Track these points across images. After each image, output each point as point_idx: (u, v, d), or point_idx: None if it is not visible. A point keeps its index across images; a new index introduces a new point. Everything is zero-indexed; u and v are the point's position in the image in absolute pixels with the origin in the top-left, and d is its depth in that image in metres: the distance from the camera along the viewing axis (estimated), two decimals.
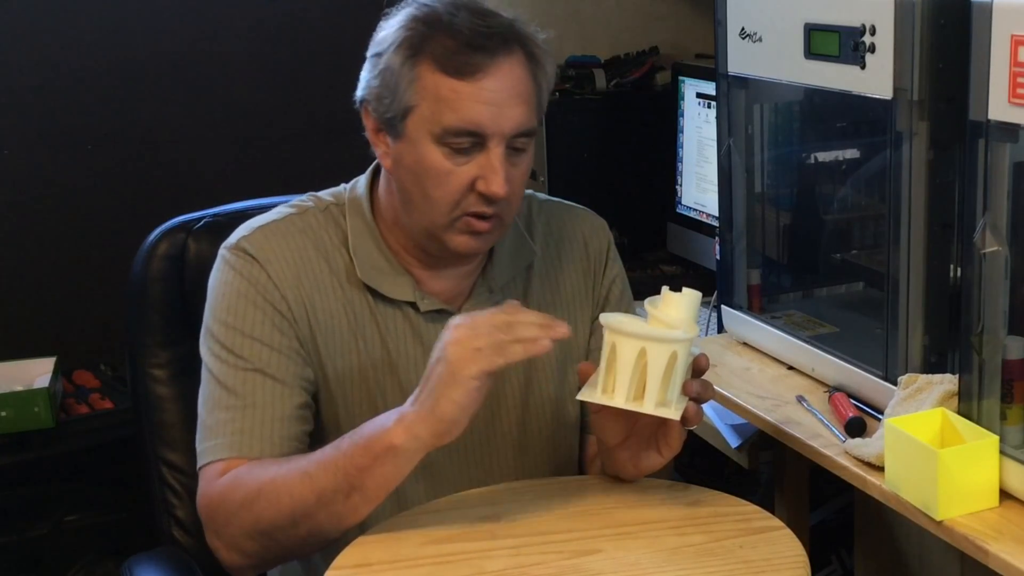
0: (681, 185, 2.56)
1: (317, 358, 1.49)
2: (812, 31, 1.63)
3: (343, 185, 1.57)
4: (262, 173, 2.84)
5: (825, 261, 1.96)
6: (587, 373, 1.38)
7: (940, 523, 1.34)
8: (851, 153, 1.88)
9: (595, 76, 2.67)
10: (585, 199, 1.71)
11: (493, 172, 1.40)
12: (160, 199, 2.66)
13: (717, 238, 1.96)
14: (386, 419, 1.33)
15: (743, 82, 1.84)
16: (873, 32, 1.52)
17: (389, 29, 1.44)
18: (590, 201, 1.70)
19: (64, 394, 2.57)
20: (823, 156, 1.96)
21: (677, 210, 2.58)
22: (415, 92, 1.40)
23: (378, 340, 1.51)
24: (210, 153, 2.84)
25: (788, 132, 1.96)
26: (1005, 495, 1.37)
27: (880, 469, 1.44)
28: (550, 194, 1.70)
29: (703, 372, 1.38)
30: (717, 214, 1.97)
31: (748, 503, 1.41)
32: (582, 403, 1.50)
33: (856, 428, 1.56)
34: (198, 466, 1.46)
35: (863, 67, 1.54)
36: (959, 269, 1.47)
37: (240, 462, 1.42)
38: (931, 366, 1.57)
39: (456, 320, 1.32)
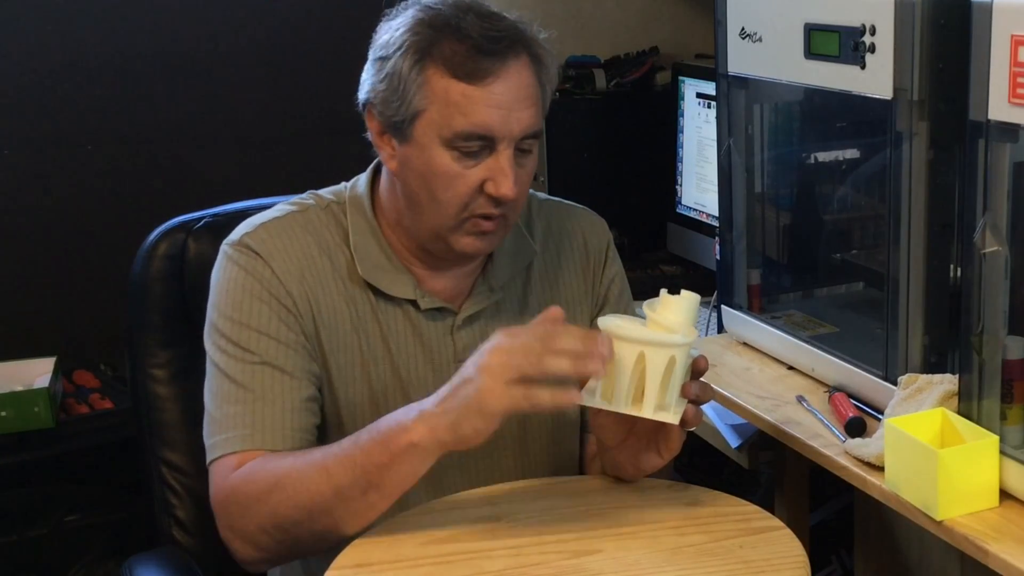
0: (681, 185, 2.56)
1: (320, 353, 1.49)
2: (812, 31, 1.62)
3: (343, 184, 1.58)
4: (262, 173, 2.84)
5: (825, 261, 1.96)
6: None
7: (940, 523, 1.34)
8: (851, 153, 1.88)
9: (595, 76, 2.67)
10: (585, 199, 1.71)
11: (503, 175, 1.41)
12: (160, 199, 2.66)
13: (717, 238, 1.96)
14: (405, 415, 1.32)
15: (743, 82, 1.83)
16: (873, 32, 1.51)
17: (393, 32, 1.43)
18: (590, 201, 1.70)
19: (64, 394, 2.57)
20: (823, 156, 1.95)
21: (677, 210, 2.58)
22: (424, 96, 1.40)
23: (379, 337, 1.51)
24: (210, 153, 2.84)
25: (788, 132, 1.95)
26: (1005, 495, 1.37)
27: (880, 469, 1.44)
28: (550, 194, 1.70)
29: (702, 374, 1.38)
30: (717, 214, 1.97)
31: (748, 503, 1.41)
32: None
33: (856, 428, 1.55)
34: (208, 460, 1.45)
35: (863, 67, 1.54)
36: (959, 269, 1.46)
37: (253, 455, 1.42)
38: (931, 366, 1.57)
39: (496, 340, 1.29)
